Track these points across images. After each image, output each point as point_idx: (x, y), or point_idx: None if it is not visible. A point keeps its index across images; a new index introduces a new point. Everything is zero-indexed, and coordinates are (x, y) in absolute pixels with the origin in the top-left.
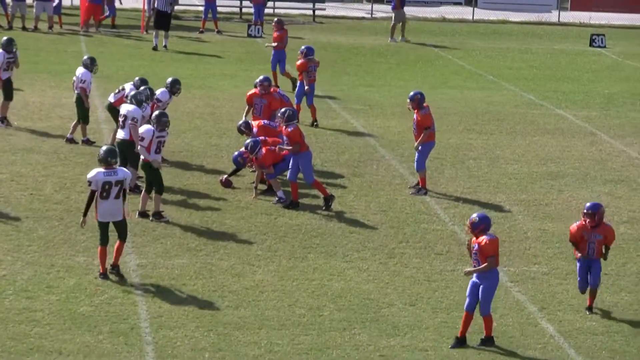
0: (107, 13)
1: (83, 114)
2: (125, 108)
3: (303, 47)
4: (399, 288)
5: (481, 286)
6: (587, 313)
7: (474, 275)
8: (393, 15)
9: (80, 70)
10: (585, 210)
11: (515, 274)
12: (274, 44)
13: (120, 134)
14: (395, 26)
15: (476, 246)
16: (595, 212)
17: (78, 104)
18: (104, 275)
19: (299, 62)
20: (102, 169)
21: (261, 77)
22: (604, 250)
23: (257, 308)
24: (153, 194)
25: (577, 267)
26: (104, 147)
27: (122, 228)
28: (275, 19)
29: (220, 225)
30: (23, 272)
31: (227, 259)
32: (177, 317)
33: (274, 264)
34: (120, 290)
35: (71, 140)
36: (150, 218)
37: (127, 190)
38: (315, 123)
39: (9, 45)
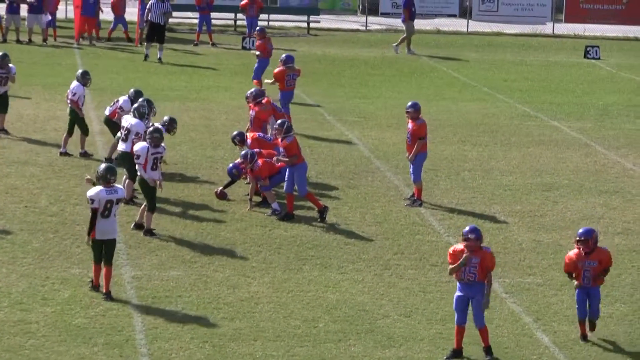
0: (122, 27)
1: (82, 126)
2: (128, 121)
3: (283, 56)
4: (394, 299)
5: (473, 300)
6: (581, 340)
7: (459, 288)
8: (404, 27)
9: (74, 84)
10: (577, 237)
11: (510, 285)
12: (258, 52)
13: (122, 146)
14: (407, 38)
15: (477, 260)
16: (589, 238)
17: (71, 117)
18: (96, 288)
19: (276, 70)
20: (102, 187)
21: (251, 90)
22: (601, 276)
23: (252, 320)
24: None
25: (576, 295)
26: (103, 165)
27: (111, 248)
28: (258, 28)
29: (215, 237)
30: (18, 284)
31: (222, 271)
32: (172, 329)
33: (269, 276)
34: (115, 302)
35: (65, 154)
36: (143, 234)
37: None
38: None
39: (2, 60)
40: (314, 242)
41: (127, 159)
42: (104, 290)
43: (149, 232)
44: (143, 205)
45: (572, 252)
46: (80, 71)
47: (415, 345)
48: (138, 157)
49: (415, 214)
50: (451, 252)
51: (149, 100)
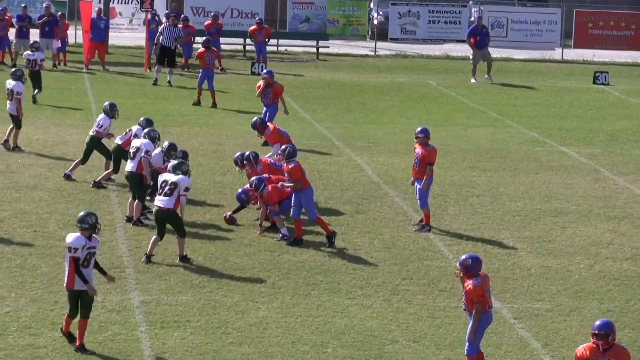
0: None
1: (105, 153)
2: (138, 141)
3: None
4: (403, 325)
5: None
6: None
7: (469, 316)
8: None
9: (101, 116)
10: (595, 331)
11: (518, 310)
12: (198, 61)
13: (129, 166)
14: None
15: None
16: (609, 332)
17: (88, 146)
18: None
19: (278, 86)
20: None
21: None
22: None
23: (260, 345)
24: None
25: None
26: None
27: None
28: (204, 38)
29: (223, 261)
30: (27, 309)
31: (231, 296)
32: (181, 354)
33: (278, 301)
34: (123, 326)
35: (68, 177)
36: (178, 261)
37: (73, 259)
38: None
39: (24, 76)
40: (322, 267)
41: (133, 178)
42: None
43: (185, 258)
44: (154, 237)
45: (585, 346)
46: (107, 103)
47: None
48: (187, 189)
49: (424, 240)
50: None
51: (185, 152)
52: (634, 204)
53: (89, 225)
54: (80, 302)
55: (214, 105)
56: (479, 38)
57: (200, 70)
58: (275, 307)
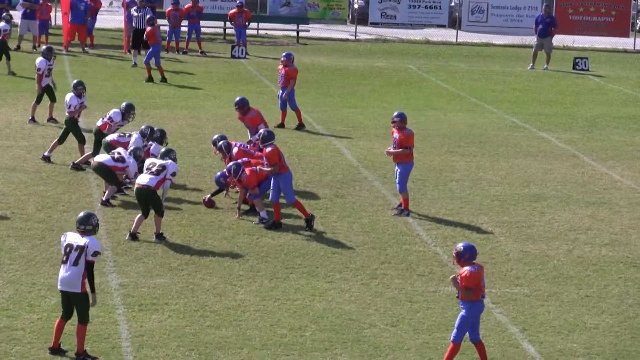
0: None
1: (77, 135)
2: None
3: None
4: (381, 309)
5: (459, 313)
6: None
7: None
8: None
9: (68, 95)
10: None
11: (496, 295)
12: (147, 39)
13: (99, 158)
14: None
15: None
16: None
17: (67, 127)
18: (52, 350)
19: (292, 69)
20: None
21: (236, 99)
22: None
23: (238, 328)
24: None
25: None
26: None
27: (78, 305)
28: (148, 16)
29: (202, 245)
30: (4, 291)
31: (209, 279)
32: (159, 337)
33: (256, 284)
34: (101, 309)
35: (47, 159)
36: (154, 239)
37: (90, 263)
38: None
39: (49, 53)
40: (301, 251)
41: (100, 170)
42: (76, 349)
43: (160, 236)
44: (139, 216)
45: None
46: (74, 82)
47: (401, 355)
48: (174, 174)
49: (403, 224)
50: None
51: (162, 130)
52: (612, 190)
53: (92, 226)
54: (76, 307)
55: (151, 80)
56: (542, 26)
57: (151, 47)
58: (253, 291)
